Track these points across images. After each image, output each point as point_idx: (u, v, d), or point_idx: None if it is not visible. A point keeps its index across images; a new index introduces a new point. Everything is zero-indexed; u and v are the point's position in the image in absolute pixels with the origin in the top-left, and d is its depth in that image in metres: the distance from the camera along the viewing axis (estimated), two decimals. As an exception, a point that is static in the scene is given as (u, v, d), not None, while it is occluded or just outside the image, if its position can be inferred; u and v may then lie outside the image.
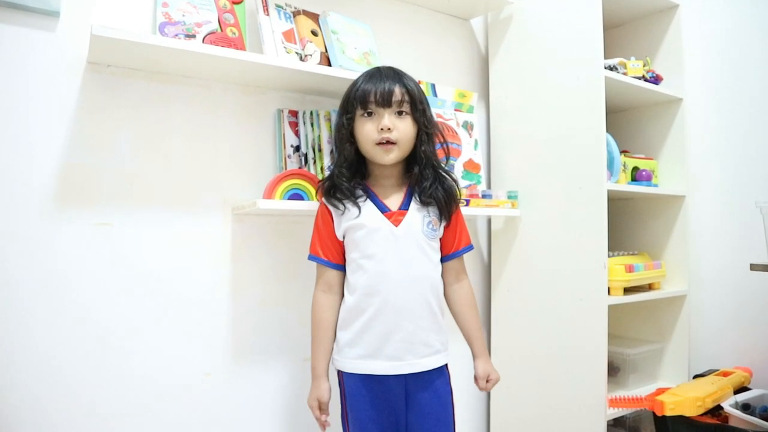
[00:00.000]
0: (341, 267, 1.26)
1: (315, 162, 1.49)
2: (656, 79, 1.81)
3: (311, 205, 1.38)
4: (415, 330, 1.19)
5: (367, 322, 1.19)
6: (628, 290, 1.68)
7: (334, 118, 1.52)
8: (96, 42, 1.18)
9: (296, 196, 1.38)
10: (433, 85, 1.80)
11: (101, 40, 1.16)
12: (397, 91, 1.19)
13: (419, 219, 1.22)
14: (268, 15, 1.43)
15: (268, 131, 1.54)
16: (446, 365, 1.27)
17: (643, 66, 1.79)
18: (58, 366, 1.25)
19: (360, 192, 1.24)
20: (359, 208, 1.21)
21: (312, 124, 1.51)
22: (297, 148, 1.50)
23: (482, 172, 1.83)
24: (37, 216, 1.24)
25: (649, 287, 1.80)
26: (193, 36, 1.29)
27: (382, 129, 1.18)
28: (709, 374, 1.70)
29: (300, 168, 1.48)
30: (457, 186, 1.29)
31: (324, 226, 1.26)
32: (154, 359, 1.36)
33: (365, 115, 1.20)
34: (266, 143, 1.53)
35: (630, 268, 1.65)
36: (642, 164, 1.83)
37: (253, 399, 1.51)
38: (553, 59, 1.71)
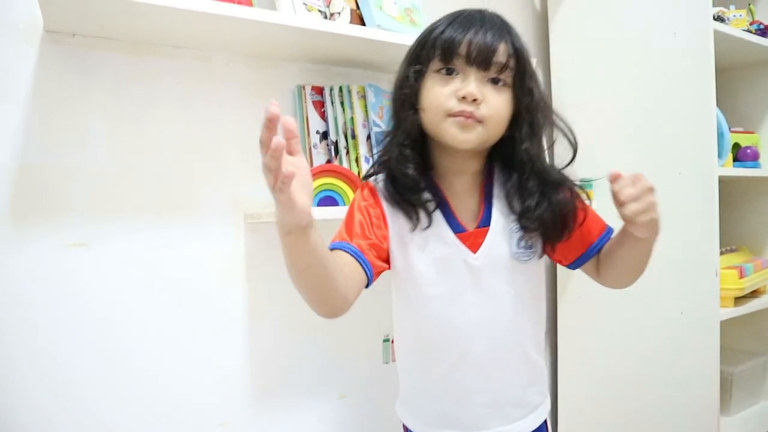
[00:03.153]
0: (370, 273, 0.80)
1: (348, 152, 1.17)
2: (765, 32, 1.46)
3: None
4: (506, 388, 0.86)
5: (436, 380, 0.86)
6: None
7: (370, 95, 1.18)
8: (49, 3, 0.87)
9: (328, 199, 1.06)
10: (484, 50, 1.46)
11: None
12: (502, 49, 0.76)
13: (505, 237, 0.82)
14: (280, -39, 1.09)
15: (285, 114, 1.20)
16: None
17: (746, 15, 1.43)
18: (26, 424, 0.97)
19: (427, 193, 0.82)
20: (431, 218, 0.82)
21: (342, 104, 1.18)
22: (324, 135, 1.18)
23: (545, 155, 1.50)
24: (-16, 239, 0.94)
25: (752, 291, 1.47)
26: (184, -11, 0.95)
27: (464, 97, 0.76)
28: (837, 397, 1.39)
29: (329, 161, 1.16)
30: (576, 187, 0.84)
31: (368, 215, 0.82)
32: (150, 413, 1.07)
33: (443, 71, 0.78)
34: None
35: (741, 272, 1.32)
36: (744, 140, 1.49)
37: (280, 452, 1.22)
38: (638, 10, 1.36)
